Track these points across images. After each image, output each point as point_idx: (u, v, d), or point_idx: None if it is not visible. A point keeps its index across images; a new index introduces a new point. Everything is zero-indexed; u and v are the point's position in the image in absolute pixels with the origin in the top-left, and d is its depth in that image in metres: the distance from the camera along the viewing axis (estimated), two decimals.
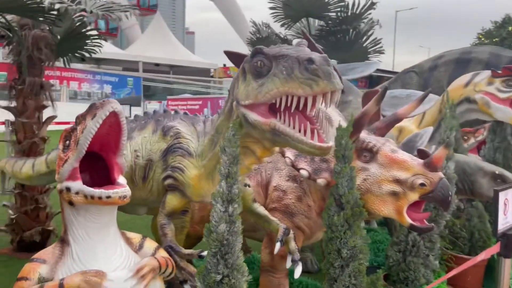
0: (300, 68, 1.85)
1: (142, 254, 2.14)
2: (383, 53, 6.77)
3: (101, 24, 31.63)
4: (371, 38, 6.68)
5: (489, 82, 4.20)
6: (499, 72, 4.11)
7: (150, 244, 2.22)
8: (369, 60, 6.70)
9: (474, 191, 3.59)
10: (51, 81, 4.94)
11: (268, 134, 2.08)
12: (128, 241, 2.14)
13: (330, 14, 6.50)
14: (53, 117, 4.83)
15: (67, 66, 5.58)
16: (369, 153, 2.70)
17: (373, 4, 6.32)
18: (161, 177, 2.72)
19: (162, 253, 2.24)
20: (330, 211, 2.59)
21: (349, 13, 6.17)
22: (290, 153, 2.87)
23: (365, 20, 6.66)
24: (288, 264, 2.75)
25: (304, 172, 2.79)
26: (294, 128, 1.98)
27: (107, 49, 28.14)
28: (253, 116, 2.08)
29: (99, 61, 33.90)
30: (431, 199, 2.57)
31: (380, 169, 2.65)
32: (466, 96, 4.38)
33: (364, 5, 6.38)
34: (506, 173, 3.44)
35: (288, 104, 1.95)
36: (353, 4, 6.28)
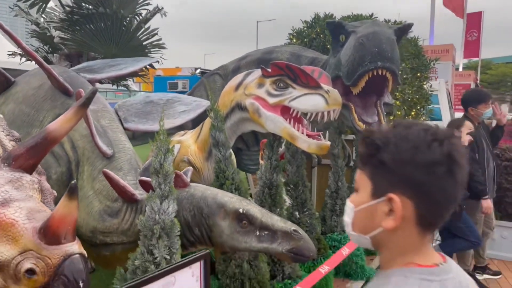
0: None
1: None
2: (164, 48, 5.62)
3: None
4: (149, 30, 5.39)
5: (259, 83, 3.29)
6: (269, 70, 3.20)
7: None
8: (150, 56, 5.51)
9: (214, 241, 2.50)
10: None
11: None
12: None
13: None
14: None
15: None
16: None
17: None
18: None
19: None
20: None
21: None
22: None
23: (148, 9, 5.44)
24: None
25: None
26: None
27: None
28: None
29: None
30: None
31: None
32: (237, 101, 3.42)
33: None
34: (254, 211, 2.39)
35: None
36: None
